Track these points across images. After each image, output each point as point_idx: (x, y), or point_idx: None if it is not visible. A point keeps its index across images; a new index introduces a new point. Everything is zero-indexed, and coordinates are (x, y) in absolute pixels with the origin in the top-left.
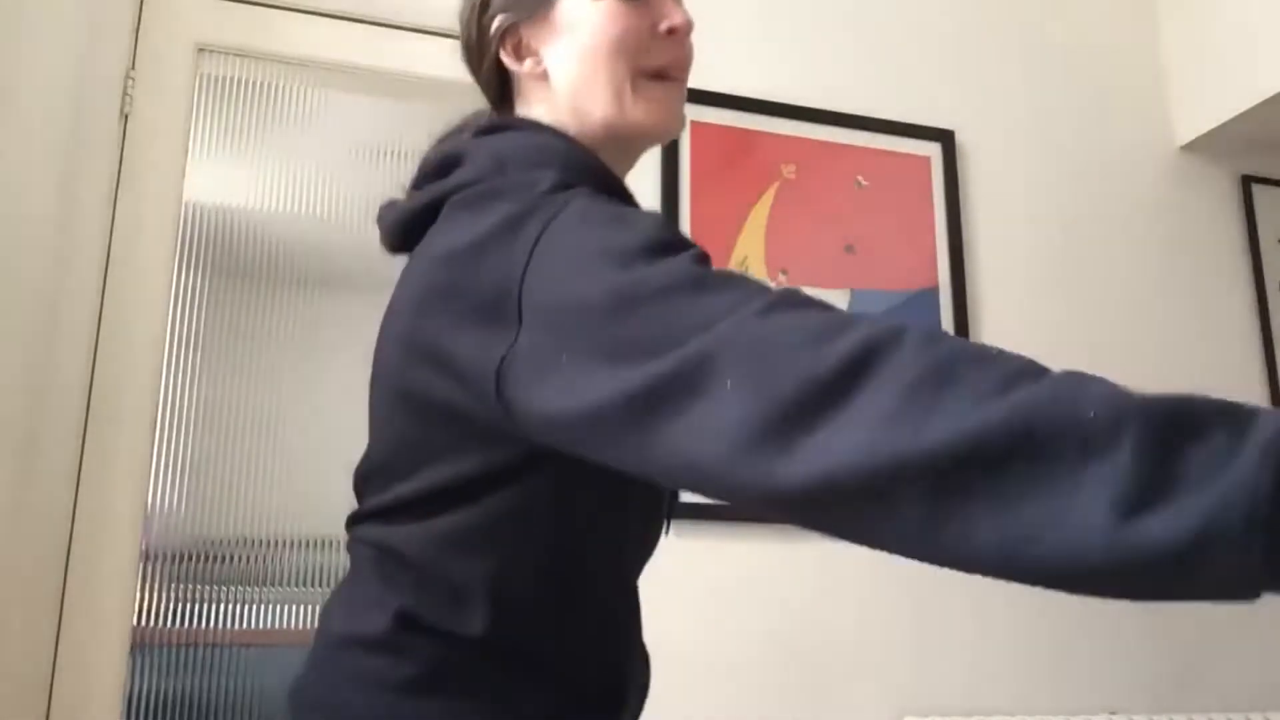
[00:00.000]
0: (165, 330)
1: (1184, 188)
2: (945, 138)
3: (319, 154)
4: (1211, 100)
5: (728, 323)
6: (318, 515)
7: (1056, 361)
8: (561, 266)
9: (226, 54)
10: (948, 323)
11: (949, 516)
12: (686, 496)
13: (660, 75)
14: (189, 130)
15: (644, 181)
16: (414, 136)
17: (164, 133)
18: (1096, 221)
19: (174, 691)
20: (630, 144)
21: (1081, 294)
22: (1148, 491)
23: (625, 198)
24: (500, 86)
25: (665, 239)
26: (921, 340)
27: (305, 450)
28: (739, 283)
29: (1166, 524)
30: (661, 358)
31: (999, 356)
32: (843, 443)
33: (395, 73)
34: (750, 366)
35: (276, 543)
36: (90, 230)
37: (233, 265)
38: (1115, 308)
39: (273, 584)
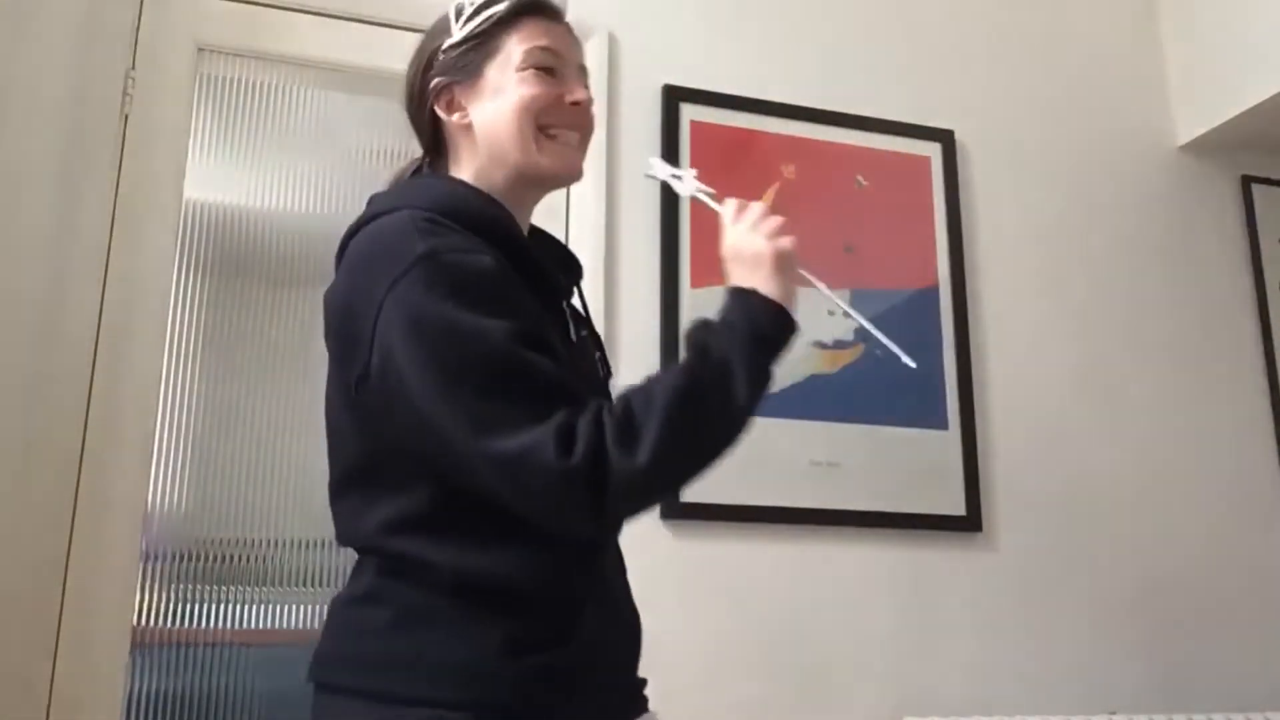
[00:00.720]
0: (165, 330)
1: (1184, 188)
2: (945, 138)
3: (319, 154)
4: (1211, 100)
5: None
6: (317, 515)
7: (1057, 360)
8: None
9: (226, 54)
10: (948, 322)
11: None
12: (687, 497)
13: (560, 131)
14: (189, 130)
15: (645, 182)
16: (414, 137)
17: (164, 133)
18: (1096, 221)
19: (174, 691)
20: (535, 185)
21: (1081, 294)
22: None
23: (517, 241)
24: (434, 133)
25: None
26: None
27: (305, 450)
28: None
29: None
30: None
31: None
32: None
33: (395, 73)
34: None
35: (276, 543)
36: (90, 230)
37: (233, 265)
38: (1115, 308)
39: (273, 584)
